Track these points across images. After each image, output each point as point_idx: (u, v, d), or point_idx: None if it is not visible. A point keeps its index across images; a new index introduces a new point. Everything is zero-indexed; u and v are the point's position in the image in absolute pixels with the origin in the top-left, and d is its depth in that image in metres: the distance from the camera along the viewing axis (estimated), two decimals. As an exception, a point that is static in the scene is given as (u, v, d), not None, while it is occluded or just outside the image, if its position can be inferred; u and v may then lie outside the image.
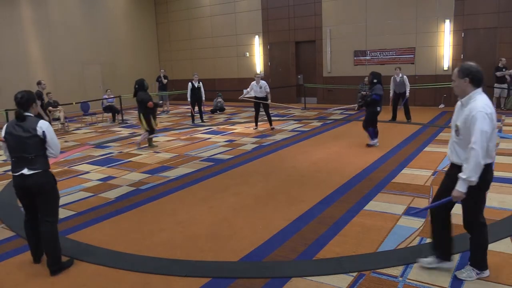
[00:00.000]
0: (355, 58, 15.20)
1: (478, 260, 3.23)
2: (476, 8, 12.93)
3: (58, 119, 12.11)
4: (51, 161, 3.75)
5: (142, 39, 19.63)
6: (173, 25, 19.78)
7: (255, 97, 10.62)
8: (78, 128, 12.63)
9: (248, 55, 17.65)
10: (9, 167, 3.84)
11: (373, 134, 8.12)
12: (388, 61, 14.50)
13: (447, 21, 13.38)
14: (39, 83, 10.46)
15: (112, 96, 13.96)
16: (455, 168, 3.08)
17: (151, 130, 8.90)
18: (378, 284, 3.24)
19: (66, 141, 10.37)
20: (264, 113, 10.66)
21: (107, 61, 17.91)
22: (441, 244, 3.39)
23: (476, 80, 3.01)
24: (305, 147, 8.45)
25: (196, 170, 7.01)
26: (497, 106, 12.61)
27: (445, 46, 13.58)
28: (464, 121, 2.99)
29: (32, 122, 3.61)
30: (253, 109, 10.97)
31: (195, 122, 12.67)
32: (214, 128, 11.58)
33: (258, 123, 10.97)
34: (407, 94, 10.70)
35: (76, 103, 13.64)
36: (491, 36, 12.92)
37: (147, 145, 9.14)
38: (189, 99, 12.55)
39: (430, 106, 13.83)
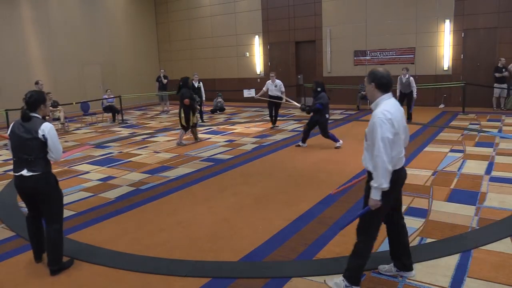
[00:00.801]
0: (355, 58, 15.20)
1: (352, 270, 3.10)
2: (476, 8, 12.93)
3: (58, 119, 12.11)
4: (50, 161, 3.74)
5: (142, 39, 19.62)
6: (173, 25, 19.78)
7: (270, 96, 10.79)
8: (78, 128, 12.63)
9: (248, 55, 17.65)
10: (9, 167, 3.86)
11: (334, 137, 8.26)
12: (388, 61, 14.49)
13: (447, 21, 13.37)
14: (36, 83, 10.32)
15: (112, 96, 13.96)
16: (369, 175, 3.01)
17: (186, 127, 9.14)
18: (378, 284, 3.24)
19: (66, 141, 10.37)
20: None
21: (107, 61, 17.91)
22: (395, 253, 3.31)
23: (382, 85, 2.97)
24: (305, 147, 8.45)
25: (196, 170, 7.01)
26: (497, 106, 12.62)
27: (445, 46, 13.58)
28: (369, 127, 2.96)
29: (35, 123, 3.55)
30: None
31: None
32: (214, 128, 11.58)
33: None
34: (415, 95, 10.71)
35: (76, 103, 13.64)
36: (491, 36, 12.92)
37: (190, 141, 9.35)
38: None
39: (430, 106, 13.83)
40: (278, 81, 10.77)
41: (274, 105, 10.83)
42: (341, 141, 8.25)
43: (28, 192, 3.64)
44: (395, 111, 2.91)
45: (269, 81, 10.83)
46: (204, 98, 12.79)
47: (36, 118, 3.59)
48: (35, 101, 3.61)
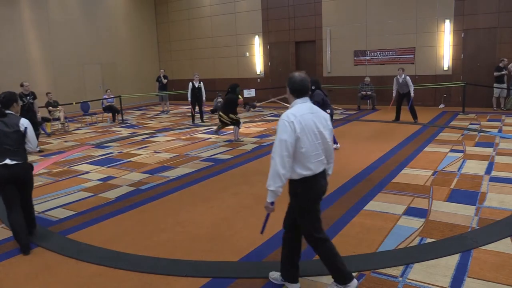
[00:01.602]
0: (355, 58, 15.19)
1: (336, 274, 3.04)
2: (476, 8, 12.93)
3: (58, 119, 12.11)
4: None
5: (142, 39, 19.62)
6: (173, 25, 19.78)
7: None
8: (78, 128, 12.63)
9: (248, 55, 17.64)
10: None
11: (334, 138, 8.16)
12: (388, 61, 14.50)
13: (447, 21, 13.37)
14: (21, 85, 9.85)
15: (112, 96, 13.96)
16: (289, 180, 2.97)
17: (236, 122, 9.48)
18: (378, 284, 3.23)
19: (66, 141, 10.37)
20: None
21: (107, 61, 17.91)
22: (283, 264, 3.21)
23: (294, 91, 2.95)
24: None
25: (196, 170, 7.01)
26: (497, 106, 12.62)
27: (445, 46, 13.57)
28: None
29: (14, 118, 4.13)
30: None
31: (195, 122, 12.68)
32: (214, 128, 11.57)
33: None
34: (412, 94, 10.69)
35: (76, 103, 13.65)
36: (491, 36, 12.92)
37: (237, 138, 9.56)
38: (189, 99, 12.57)
39: (430, 106, 13.83)
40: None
41: None
42: (338, 145, 8.19)
43: (12, 179, 4.07)
44: (304, 115, 2.85)
45: None
46: (204, 98, 12.82)
47: (11, 114, 4.16)
48: (8, 100, 4.20)
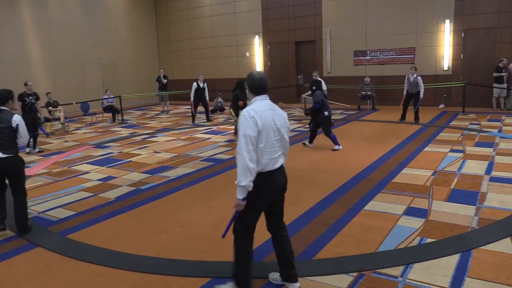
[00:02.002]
0: (355, 58, 15.19)
1: (236, 275, 3.05)
2: (476, 8, 12.93)
3: (58, 119, 12.11)
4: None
5: (142, 39, 19.62)
6: (173, 25, 19.78)
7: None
8: (78, 128, 12.63)
9: (248, 55, 17.64)
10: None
11: (335, 139, 8.19)
12: (388, 61, 14.49)
13: (447, 21, 13.37)
14: (25, 84, 9.82)
15: (112, 96, 13.96)
16: None
17: None
18: (378, 284, 3.24)
19: (66, 141, 10.37)
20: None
21: (107, 61, 17.91)
22: (279, 263, 3.22)
23: (253, 88, 3.06)
24: (305, 147, 8.45)
25: (196, 170, 7.01)
26: (497, 106, 12.61)
27: (445, 46, 13.57)
28: None
29: (7, 115, 4.45)
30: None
31: (195, 122, 12.71)
32: (214, 128, 11.58)
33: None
34: (421, 95, 10.58)
35: (76, 103, 13.65)
36: (491, 36, 12.92)
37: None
38: (192, 99, 12.64)
39: (430, 106, 13.83)
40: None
41: None
42: (340, 146, 8.12)
43: (3, 170, 4.46)
44: (263, 111, 2.92)
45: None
46: (208, 99, 12.98)
47: (6, 111, 4.48)
48: (4, 97, 4.51)
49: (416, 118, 10.80)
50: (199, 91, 12.64)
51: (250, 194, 2.86)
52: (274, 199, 3.07)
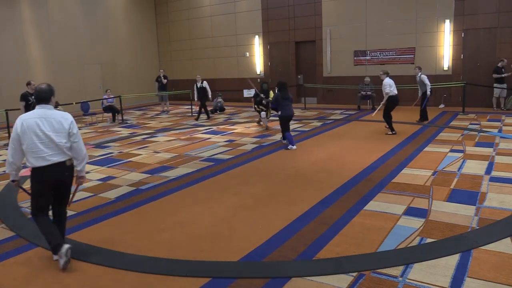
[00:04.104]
0: (355, 58, 15.19)
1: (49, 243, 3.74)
2: (476, 8, 12.93)
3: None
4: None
5: (142, 39, 19.61)
6: (173, 25, 19.78)
7: None
8: (78, 128, 12.60)
9: (248, 55, 17.64)
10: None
11: (291, 139, 8.40)
12: (388, 61, 14.49)
13: (447, 21, 13.37)
14: (29, 84, 9.77)
15: (112, 96, 13.96)
16: None
17: (261, 111, 10.88)
18: (378, 284, 3.23)
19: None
20: None
21: (107, 61, 17.91)
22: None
23: (37, 99, 3.74)
24: (305, 147, 8.45)
25: (196, 170, 7.01)
26: (497, 106, 12.61)
27: (445, 46, 13.58)
28: None
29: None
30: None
31: (198, 121, 12.96)
32: (214, 128, 11.58)
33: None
34: (428, 93, 10.48)
35: (76, 103, 13.63)
36: (491, 36, 12.92)
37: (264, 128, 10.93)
38: (195, 99, 13.50)
39: (430, 106, 13.80)
40: None
41: None
42: (295, 146, 8.31)
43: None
44: (29, 119, 3.62)
45: None
46: (210, 96, 13.62)
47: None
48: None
49: (423, 117, 10.78)
50: (199, 90, 13.22)
51: (31, 183, 3.70)
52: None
